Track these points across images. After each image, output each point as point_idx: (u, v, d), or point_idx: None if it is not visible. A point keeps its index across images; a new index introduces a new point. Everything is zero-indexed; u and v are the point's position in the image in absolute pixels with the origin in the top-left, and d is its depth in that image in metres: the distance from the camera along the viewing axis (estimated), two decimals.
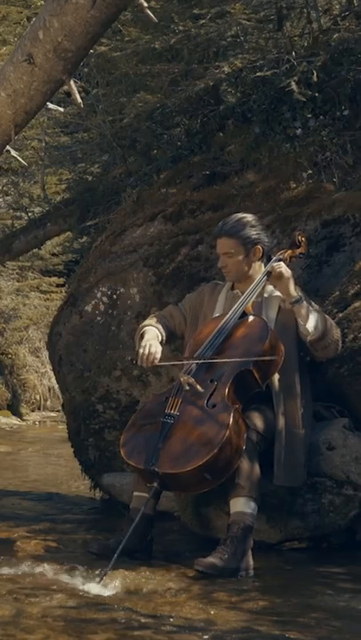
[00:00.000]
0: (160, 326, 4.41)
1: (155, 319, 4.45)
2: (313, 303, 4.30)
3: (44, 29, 4.13)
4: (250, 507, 3.95)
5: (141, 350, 4.27)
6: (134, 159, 5.97)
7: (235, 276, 4.39)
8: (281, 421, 4.16)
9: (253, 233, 4.35)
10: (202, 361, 4.14)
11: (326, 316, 4.29)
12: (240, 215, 4.43)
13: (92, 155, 7.01)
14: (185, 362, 4.23)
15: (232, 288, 4.42)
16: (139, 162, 5.87)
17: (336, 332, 4.27)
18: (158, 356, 4.26)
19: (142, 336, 4.36)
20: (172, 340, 4.52)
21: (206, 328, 4.29)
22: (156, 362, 4.26)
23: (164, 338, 4.40)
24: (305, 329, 4.18)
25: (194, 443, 3.90)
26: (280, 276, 4.19)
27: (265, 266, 4.35)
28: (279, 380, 4.20)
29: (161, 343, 4.35)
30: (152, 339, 4.32)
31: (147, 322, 4.45)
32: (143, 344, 4.28)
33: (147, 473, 3.94)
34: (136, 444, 4.04)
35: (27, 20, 8.76)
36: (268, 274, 4.26)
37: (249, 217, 4.41)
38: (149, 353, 4.25)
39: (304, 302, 4.19)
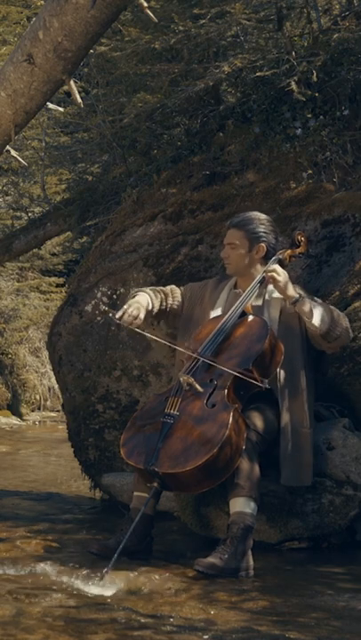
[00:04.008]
0: (154, 298, 4.39)
1: (151, 290, 4.43)
2: (315, 298, 4.30)
3: (43, 29, 4.13)
4: (250, 507, 3.95)
5: (126, 306, 4.24)
6: (134, 159, 5.97)
7: (234, 269, 4.40)
8: (286, 418, 4.16)
9: (261, 230, 4.37)
10: (177, 347, 4.12)
11: (331, 307, 4.28)
12: (256, 213, 4.47)
13: (92, 155, 7.01)
14: (160, 340, 4.22)
15: (235, 287, 4.42)
16: (139, 162, 5.87)
17: (344, 321, 4.27)
18: (139, 322, 4.22)
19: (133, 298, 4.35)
20: (162, 318, 4.50)
21: (206, 328, 4.29)
22: (134, 325, 4.22)
23: (155, 310, 4.38)
24: (311, 324, 4.17)
25: (194, 442, 3.90)
26: (273, 282, 4.19)
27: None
28: (284, 378, 4.20)
29: (150, 313, 4.33)
30: (141, 304, 4.29)
31: (142, 289, 4.44)
32: (131, 303, 4.27)
33: (147, 473, 3.94)
34: (136, 443, 4.03)
35: (27, 20, 8.76)
36: (262, 280, 4.26)
37: (263, 216, 4.44)
38: (131, 314, 4.21)
39: (305, 299, 4.19)
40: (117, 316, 4.21)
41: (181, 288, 4.53)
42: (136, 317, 4.22)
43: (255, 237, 4.36)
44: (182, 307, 4.47)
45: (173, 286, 4.54)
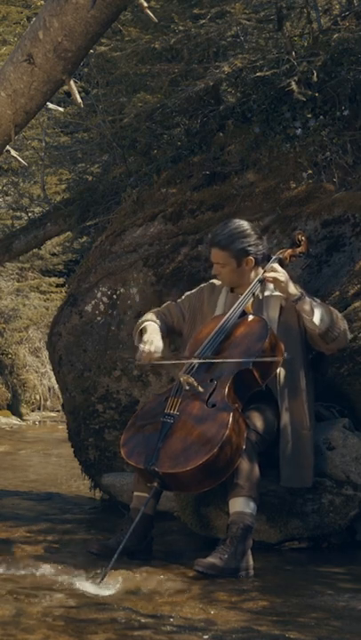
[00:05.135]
0: (159, 322, 4.40)
1: (154, 315, 4.44)
2: (315, 298, 4.30)
3: (43, 29, 4.13)
4: (249, 507, 3.95)
5: (142, 346, 4.25)
6: (134, 159, 5.97)
7: (229, 284, 4.39)
8: (285, 418, 4.16)
9: (245, 245, 4.28)
10: (202, 360, 4.13)
11: (331, 308, 4.28)
12: (233, 225, 4.33)
13: (92, 155, 7.01)
14: (185, 361, 4.22)
15: (231, 290, 4.42)
16: (139, 162, 5.87)
17: (343, 323, 4.26)
18: (159, 354, 4.25)
19: (141, 332, 4.35)
20: (170, 337, 4.51)
21: (206, 328, 4.29)
22: (155, 359, 4.25)
23: (164, 334, 4.39)
24: (312, 323, 4.17)
25: (194, 442, 3.90)
26: (274, 282, 4.19)
27: (263, 268, 4.34)
28: (284, 377, 4.20)
29: (162, 339, 4.35)
30: (154, 335, 4.30)
31: (146, 317, 4.44)
32: (145, 340, 4.27)
33: (147, 472, 3.94)
34: (136, 443, 4.04)
35: (27, 20, 8.75)
36: (261, 281, 4.26)
37: (242, 227, 4.32)
38: (149, 351, 4.23)
39: (307, 298, 4.19)
40: (137, 358, 4.26)
41: (178, 301, 4.53)
42: (153, 352, 4.23)
43: (241, 254, 4.29)
44: (184, 319, 4.47)
45: (170, 302, 4.55)
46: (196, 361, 4.15)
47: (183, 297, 4.56)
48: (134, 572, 3.75)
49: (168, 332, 4.44)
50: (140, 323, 4.42)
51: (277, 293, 4.28)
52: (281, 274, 4.19)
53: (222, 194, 5.10)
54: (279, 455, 4.16)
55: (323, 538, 4.32)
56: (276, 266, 4.26)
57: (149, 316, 4.44)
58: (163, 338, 4.34)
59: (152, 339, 4.27)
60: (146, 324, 4.37)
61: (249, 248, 4.30)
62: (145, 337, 4.29)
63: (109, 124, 6.07)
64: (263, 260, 4.37)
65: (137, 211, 5.30)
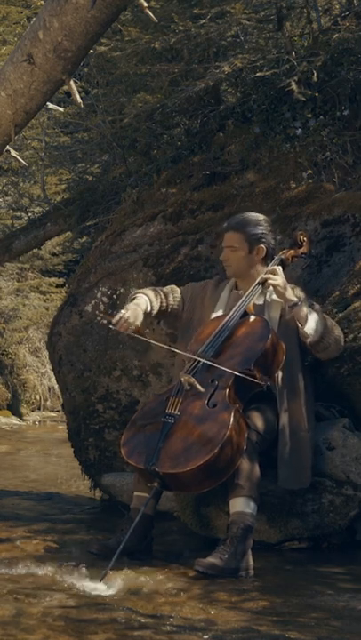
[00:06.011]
0: (154, 299, 4.36)
1: (152, 292, 4.40)
2: (315, 304, 4.30)
3: (43, 29, 4.13)
4: (250, 507, 3.95)
5: (123, 311, 4.21)
6: (134, 159, 5.97)
7: (235, 272, 4.39)
8: (284, 419, 4.16)
9: (260, 231, 4.36)
10: (176, 350, 4.11)
11: (326, 317, 4.29)
12: (252, 213, 4.46)
13: (92, 155, 7.01)
14: (159, 345, 4.19)
15: (235, 288, 4.42)
16: (139, 162, 5.87)
17: (337, 331, 4.27)
18: (134, 328, 4.18)
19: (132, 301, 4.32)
20: (162, 318, 4.48)
21: (208, 327, 4.29)
22: (130, 331, 4.20)
23: (154, 311, 4.35)
24: (303, 331, 4.18)
25: (194, 442, 3.90)
26: (273, 286, 4.20)
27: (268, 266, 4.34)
28: (283, 379, 4.20)
29: (149, 315, 4.31)
30: (138, 306, 4.25)
31: (143, 290, 4.41)
32: (128, 307, 4.24)
33: (147, 472, 3.94)
34: (137, 443, 4.03)
35: (27, 20, 8.75)
36: (262, 284, 4.26)
37: (260, 216, 4.43)
38: (126, 319, 4.18)
39: (303, 305, 4.19)
40: (114, 321, 4.19)
41: (182, 288, 4.53)
42: (132, 323, 4.19)
43: (255, 239, 4.35)
44: (183, 307, 4.47)
45: (174, 286, 4.54)
46: (171, 349, 4.13)
47: (187, 285, 4.55)
48: (134, 572, 3.75)
49: (160, 313, 4.41)
50: (135, 292, 4.39)
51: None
52: (279, 279, 4.19)
53: (222, 194, 5.10)
54: (277, 456, 4.16)
55: (323, 538, 4.32)
56: (278, 269, 4.26)
57: (147, 291, 4.41)
58: (150, 314, 4.30)
59: (133, 309, 4.22)
60: (138, 295, 4.34)
61: (262, 236, 4.35)
62: (128, 305, 4.27)
63: (109, 124, 6.07)
64: (269, 259, 4.38)
65: (137, 211, 5.30)
